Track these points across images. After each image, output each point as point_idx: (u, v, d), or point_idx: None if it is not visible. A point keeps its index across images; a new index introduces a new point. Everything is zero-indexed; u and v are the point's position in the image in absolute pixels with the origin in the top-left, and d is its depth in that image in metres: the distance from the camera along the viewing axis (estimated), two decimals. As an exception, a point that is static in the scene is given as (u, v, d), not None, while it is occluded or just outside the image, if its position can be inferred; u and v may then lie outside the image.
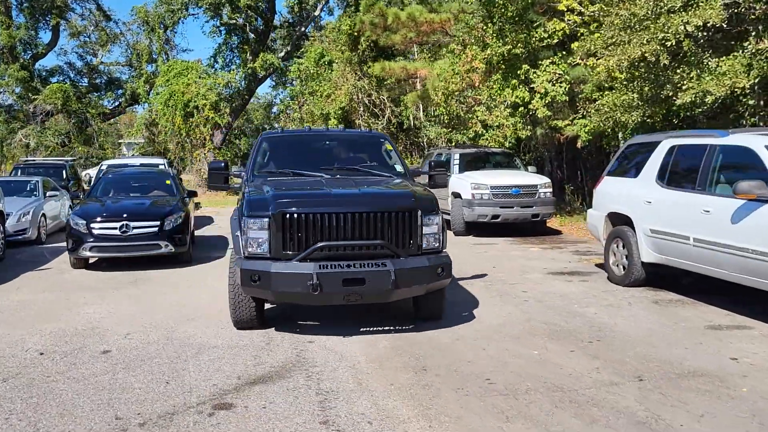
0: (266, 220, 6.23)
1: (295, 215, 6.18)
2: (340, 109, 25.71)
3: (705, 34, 9.70)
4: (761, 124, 11.28)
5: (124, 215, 10.39)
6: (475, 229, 14.48)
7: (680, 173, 7.86)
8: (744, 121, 10.91)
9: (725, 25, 9.44)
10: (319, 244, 6.14)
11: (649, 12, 9.78)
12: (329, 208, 6.25)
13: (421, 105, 25.50)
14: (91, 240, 10.21)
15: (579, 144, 15.55)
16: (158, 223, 10.42)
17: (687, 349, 6.00)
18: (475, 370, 5.47)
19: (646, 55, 9.66)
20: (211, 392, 5.00)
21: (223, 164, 8.07)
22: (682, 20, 9.25)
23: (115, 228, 10.25)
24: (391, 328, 6.82)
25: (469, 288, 8.82)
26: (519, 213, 13.87)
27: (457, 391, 5.00)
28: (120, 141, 59.99)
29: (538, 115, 15.10)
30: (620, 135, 16.00)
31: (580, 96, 15.14)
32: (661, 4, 9.58)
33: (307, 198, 6.61)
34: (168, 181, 12.45)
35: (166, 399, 4.87)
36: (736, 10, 9.51)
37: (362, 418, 4.50)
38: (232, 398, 4.87)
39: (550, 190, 14.25)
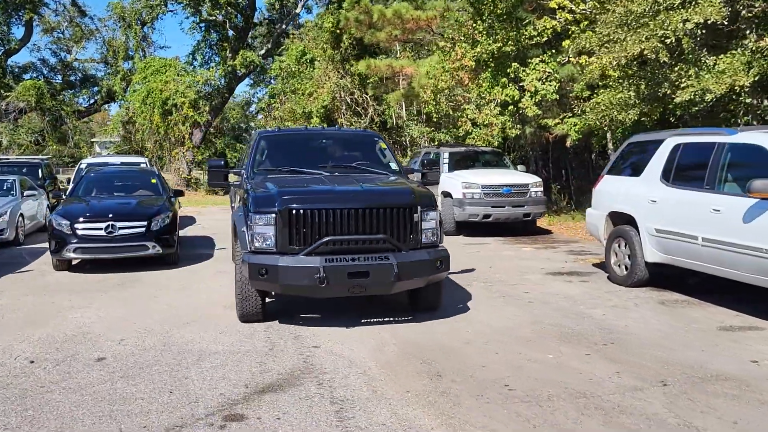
0: (272, 215, 6.42)
1: (301, 211, 6.39)
2: (322, 108, 25.40)
3: (703, 32, 9.60)
4: (754, 122, 11.26)
5: (110, 215, 10.00)
6: (465, 228, 14.31)
7: (686, 172, 7.73)
8: (739, 120, 10.86)
9: (726, 22, 9.35)
10: (326, 239, 6.35)
11: (648, 9, 9.67)
12: (334, 204, 6.48)
13: (404, 103, 25.30)
14: (75, 241, 9.83)
15: (568, 143, 15.46)
16: (145, 223, 10.06)
17: (704, 351, 5.86)
18: (492, 376, 5.26)
19: (646, 52, 9.54)
20: (219, 402, 4.73)
21: (222, 162, 8.26)
22: (681, 17, 9.14)
23: (101, 228, 9.87)
24: (391, 319, 7.00)
25: (469, 289, 8.62)
26: (510, 212, 13.72)
27: (477, 398, 4.79)
28: (93, 140, 58.94)
29: (528, 114, 14.96)
30: (608, 135, 15.98)
31: (570, 94, 15.03)
32: (660, 0, 9.47)
33: (311, 194, 6.82)
34: (153, 180, 12.07)
35: (171, 410, 4.59)
36: (732, 8, 9.42)
37: (383, 428, 4.27)
38: (242, 409, 4.60)
39: (541, 189, 14.13)
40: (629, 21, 10.17)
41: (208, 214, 20.51)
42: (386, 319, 7.04)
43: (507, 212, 13.71)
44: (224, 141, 57.66)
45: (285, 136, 9.35)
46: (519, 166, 15.45)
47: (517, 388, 5.00)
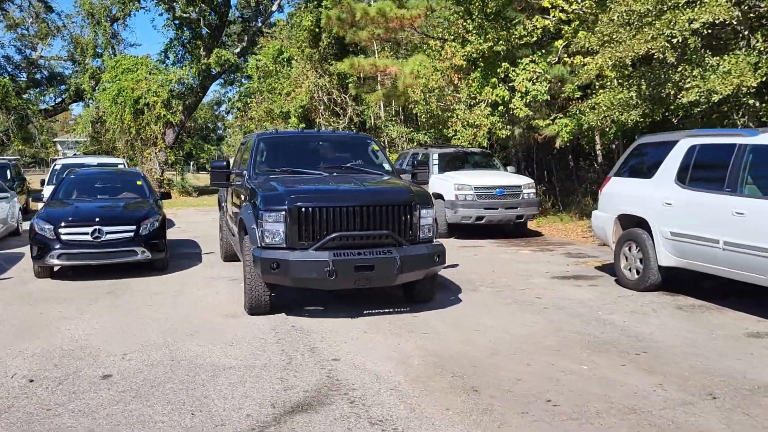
0: (282, 213, 6.81)
1: (310, 209, 6.80)
2: (300, 108, 24.93)
3: (709, 31, 9.48)
4: (751, 124, 11.21)
5: (96, 219, 9.49)
6: (456, 230, 14.06)
7: (704, 173, 7.56)
8: (738, 122, 10.79)
9: (734, 22, 9.24)
10: (334, 234, 6.76)
11: (652, 8, 9.51)
12: (339, 202, 6.90)
13: (382, 104, 24.99)
14: (59, 246, 9.28)
15: (558, 144, 15.31)
16: (134, 227, 9.56)
17: (740, 360, 5.66)
18: (530, 390, 4.98)
19: (653, 51, 9.37)
20: (249, 425, 4.36)
21: (225, 163, 8.61)
22: (688, 17, 9.00)
23: (87, 233, 9.34)
24: (391, 310, 7.42)
25: (478, 294, 8.36)
26: (503, 214, 13.50)
27: (522, 416, 4.50)
28: (55, 140, 57.33)
29: (519, 115, 14.76)
30: (597, 137, 15.88)
31: (561, 95, 14.87)
32: (665, -1, 9.33)
33: (318, 193, 7.20)
34: (139, 182, 11.52)
35: (198, 435, 4.21)
36: (740, 8, 9.31)
37: (434, 452, 3.96)
38: (276, 432, 4.25)
39: (534, 190, 13.94)
40: (631, 20, 10.02)
41: (186, 216, 19.98)
42: (386, 310, 7.39)
43: (500, 214, 13.49)
44: (192, 142, 56.53)
45: (283, 138, 9.62)
46: (509, 167, 15.25)
47: (560, 403, 4.73)
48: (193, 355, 5.91)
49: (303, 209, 6.78)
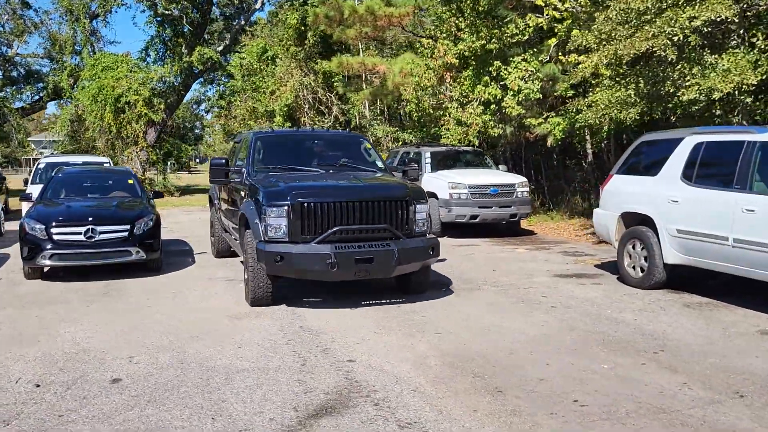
0: (285, 208, 7.04)
1: (312, 204, 7.04)
2: (285, 107, 24.68)
3: (710, 29, 9.49)
4: (744, 122, 11.27)
5: (90, 219, 9.23)
6: (449, 230, 13.97)
7: (712, 171, 7.55)
8: (734, 120, 10.84)
9: (736, 20, 9.25)
10: (336, 228, 7.00)
11: (651, 6, 9.50)
12: (339, 197, 7.15)
13: (367, 103, 24.82)
14: (51, 247, 9.01)
15: (550, 143, 15.29)
16: (128, 227, 9.32)
17: (759, 357, 5.63)
18: (555, 390, 4.89)
19: (654, 49, 9.36)
20: (274, 429, 4.20)
21: (224, 161, 8.77)
22: (689, 15, 8.99)
23: (80, 233, 9.08)
24: (387, 301, 7.72)
25: (482, 293, 8.28)
26: (498, 213, 13.43)
27: (552, 417, 4.41)
28: (29, 139, 56.29)
29: (511, 114, 14.71)
30: (588, 136, 15.90)
31: (554, 93, 14.85)
32: (666, -4, 9.31)
33: (318, 189, 7.45)
34: (130, 181, 11.25)
35: (223, 441, 4.05)
36: (739, 7, 9.33)
37: (471, 456, 3.85)
38: (304, 437, 4.10)
39: (527, 189, 13.92)
40: (629, 18, 10.00)
41: (171, 216, 19.62)
42: (383, 301, 7.70)
43: (494, 213, 13.42)
44: (170, 141, 55.70)
45: (279, 137, 9.98)
46: (501, 166, 15.20)
47: (588, 403, 4.64)
48: (203, 357, 5.74)
49: (305, 204, 7.03)
